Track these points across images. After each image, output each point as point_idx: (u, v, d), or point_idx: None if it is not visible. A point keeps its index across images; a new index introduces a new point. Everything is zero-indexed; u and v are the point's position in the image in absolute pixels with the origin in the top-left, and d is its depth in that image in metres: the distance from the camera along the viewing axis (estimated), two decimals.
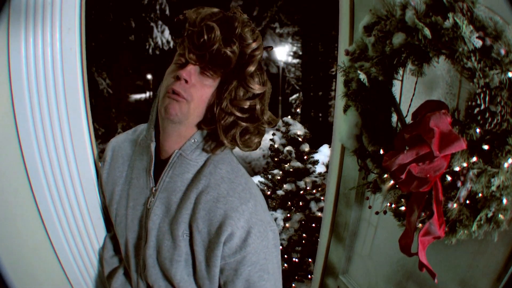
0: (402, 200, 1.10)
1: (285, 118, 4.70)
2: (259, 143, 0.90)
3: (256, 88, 0.84)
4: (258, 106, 0.85)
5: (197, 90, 0.83)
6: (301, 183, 4.33)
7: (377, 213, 1.26)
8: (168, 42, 10.33)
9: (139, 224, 0.95)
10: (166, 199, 0.89)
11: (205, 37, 0.78)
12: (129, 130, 1.07)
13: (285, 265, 4.11)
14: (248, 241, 0.84)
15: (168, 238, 0.88)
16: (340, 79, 1.31)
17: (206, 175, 0.87)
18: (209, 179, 0.86)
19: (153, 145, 0.91)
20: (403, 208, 1.10)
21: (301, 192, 4.29)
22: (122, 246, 1.01)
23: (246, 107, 0.84)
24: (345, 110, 1.27)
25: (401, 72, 1.06)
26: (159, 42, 10.29)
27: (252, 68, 0.83)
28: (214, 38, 0.78)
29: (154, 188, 0.91)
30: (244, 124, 0.85)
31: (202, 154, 0.89)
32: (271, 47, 0.95)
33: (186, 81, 0.82)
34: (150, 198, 0.91)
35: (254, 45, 0.82)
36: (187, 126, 0.87)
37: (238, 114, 0.83)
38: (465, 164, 0.88)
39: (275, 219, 4.12)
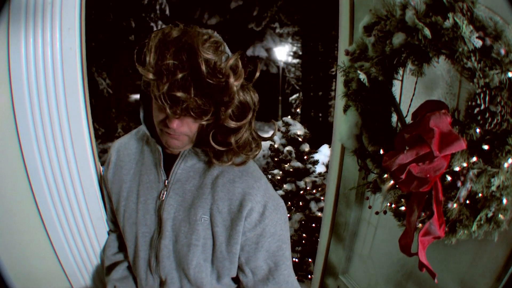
0: (402, 200, 1.10)
1: (285, 118, 4.70)
2: (252, 157, 0.91)
3: (235, 125, 0.81)
4: (242, 136, 0.84)
5: (188, 128, 0.83)
6: (301, 183, 4.33)
7: (377, 213, 1.26)
8: None
9: (151, 218, 0.96)
10: (180, 189, 0.93)
11: (180, 106, 0.74)
12: (131, 131, 1.10)
13: None
14: (266, 213, 0.90)
15: (185, 224, 0.92)
16: (340, 79, 1.31)
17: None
18: (222, 166, 0.91)
19: (160, 147, 0.94)
20: (403, 208, 1.10)
21: (301, 192, 4.29)
22: (130, 242, 1.00)
23: (230, 141, 0.83)
24: (345, 110, 1.27)
25: (401, 72, 1.06)
26: None
27: (229, 112, 0.78)
28: (188, 106, 0.74)
29: (166, 181, 0.94)
30: (235, 150, 0.86)
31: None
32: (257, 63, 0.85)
33: (176, 128, 0.81)
34: (163, 190, 0.94)
35: (228, 85, 0.75)
36: (190, 144, 0.90)
37: (219, 147, 0.84)
38: (465, 164, 0.88)
39: None
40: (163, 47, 0.73)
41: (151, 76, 0.73)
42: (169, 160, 0.95)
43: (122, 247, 1.13)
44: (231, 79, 0.75)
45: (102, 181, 1.11)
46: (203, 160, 0.93)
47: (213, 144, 0.83)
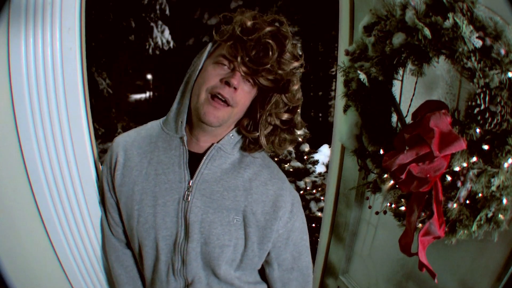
0: (402, 200, 1.10)
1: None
2: (292, 145, 0.99)
3: (296, 102, 0.90)
4: (296, 117, 0.92)
5: (241, 97, 0.87)
6: (301, 183, 4.33)
7: (377, 213, 1.26)
8: (168, 42, 10.32)
9: (172, 220, 0.92)
10: (207, 190, 0.92)
11: (262, 54, 0.81)
12: (135, 128, 1.04)
13: None
14: (293, 211, 0.98)
15: (215, 226, 0.91)
16: (340, 79, 1.31)
17: (249, 165, 0.96)
18: (252, 168, 0.95)
19: (185, 139, 0.92)
20: (403, 208, 1.10)
21: (301, 192, 4.28)
22: (147, 247, 0.95)
23: (285, 118, 0.91)
24: (345, 110, 1.27)
25: (401, 72, 1.06)
26: (159, 42, 10.27)
27: (296, 87, 0.88)
28: (270, 58, 0.81)
29: (191, 181, 0.91)
30: (283, 133, 0.93)
31: (237, 147, 0.96)
32: (307, 66, 0.97)
33: (235, 88, 0.84)
34: (187, 191, 0.91)
35: (299, 64, 0.87)
36: (225, 127, 0.92)
37: (279, 124, 0.91)
38: (465, 164, 0.88)
39: None
40: (255, 16, 0.85)
41: (249, 23, 0.81)
42: (191, 160, 0.93)
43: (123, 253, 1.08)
44: (300, 62, 0.87)
45: (103, 186, 1.03)
46: (230, 161, 0.94)
47: (275, 120, 0.89)
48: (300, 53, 0.89)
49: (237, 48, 0.82)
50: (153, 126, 1.01)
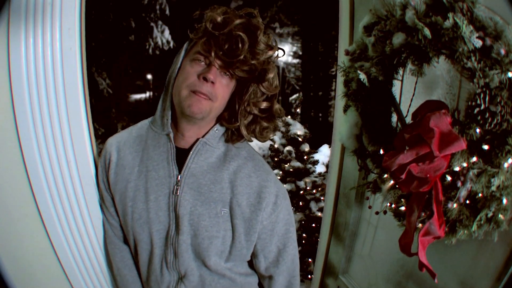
0: (402, 200, 1.10)
1: (285, 118, 4.70)
2: (274, 133, 1.02)
3: (273, 90, 0.94)
4: (274, 104, 0.96)
5: (220, 90, 0.90)
6: (301, 183, 4.32)
7: (377, 213, 1.26)
8: (168, 42, 10.32)
9: (164, 214, 0.96)
10: (195, 183, 0.95)
11: (234, 47, 0.84)
12: (127, 128, 1.08)
13: None
14: (278, 202, 1.00)
15: (204, 218, 0.95)
16: (340, 79, 1.31)
17: (233, 157, 0.99)
18: (236, 161, 0.98)
19: (172, 135, 0.95)
20: (403, 208, 1.10)
21: (301, 192, 4.28)
22: (142, 242, 0.99)
23: (263, 107, 0.94)
24: (345, 110, 1.27)
25: (401, 72, 1.06)
26: (159, 42, 10.27)
27: (271, 75, 0.91)
28: (242, 49, 0.84)
29: (179, 176, 0.95)
30: (263, 121, 0.96)
31: (222, 140, 0.99)
32: (283, 51, 0.99)
33: (213, 83, 0.88)
34: (176, 186, 0.95)
35: (272, 53, 0.90)
36: (208, 120, 0.96)
37: (258, 113, 0.94)
38: (465, 164, 0.88)
39: None
40: (227, 10, 0.87)
41: (219, 19, 0.84)
42: (178, 155, 0.96)
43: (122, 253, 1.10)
44: (275, 51, 0.90)
45: (99, 186, 1.06)
46: (216, 154, 0.98)
47: (253, 109, 0.92)
48: (274, 42, 0.91)
49: (210, 44, 0.86)
50: (143, 125, 1.05)
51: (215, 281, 1.01)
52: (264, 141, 1.00)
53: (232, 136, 0.99)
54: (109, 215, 1.07)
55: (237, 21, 0.85)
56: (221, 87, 0.90)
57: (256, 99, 0.93)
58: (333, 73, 11.40)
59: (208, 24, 0.85)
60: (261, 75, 0.90)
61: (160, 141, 0.98)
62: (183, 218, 0.94)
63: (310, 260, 4.09)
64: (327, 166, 4.84)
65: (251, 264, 1.11)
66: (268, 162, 4.99)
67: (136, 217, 0.97)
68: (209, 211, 0.95)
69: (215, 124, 0.98)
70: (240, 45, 0.84)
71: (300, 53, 13.27)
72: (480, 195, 0.90)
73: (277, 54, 0.93)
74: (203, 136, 0.97)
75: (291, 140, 4.52)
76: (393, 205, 1.13)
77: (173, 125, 0.98)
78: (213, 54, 0.86)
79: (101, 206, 1.10)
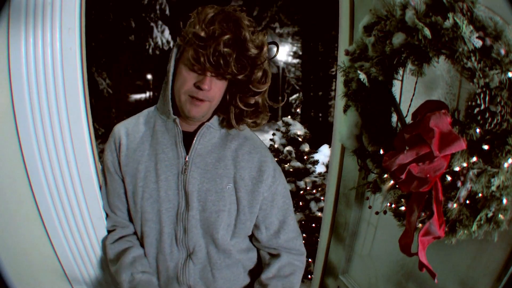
0: (402, 200, 1.10)
1: (285, 118, 4.70)
2: (265, 122, 1.08)
3: (261, 88, 0.97)
4: (260, 100, 1.01)
5: (215, 92, 0.96)
6: (301, 183, 4.33)
7: (377, 213, 1.26)
8: (168, 42, 10.32)
9: (174, 193, 1.03)
10: (201, 163, 1.03)
11: (222, 63, 0.87)
12: (133, 116, 1.13)
13: None
14: (276, 176, 1.10)
15: (211, 194, 1.03)
16: (340, 79, 1.31)
17: (234, 137, 1.08)
18: (237, 140, 1.08)
19: (178, 121, 1.02)
20: (403, 208, 1.10)
21: (301, 192, 4.29)
22: (151, 222, 1.04)
23: (252, 102, 0.99)
24: (345, 110, 1.27)
25: (401, 72, 1.06)
26: (159, 42, 10.28)
27: (259, 74, 0.95)
28: (230, 65, 0.88)
29: (187, 156, 1.02)
30: (251, 115, 1.02)
31: (222, 123, 1.06)
32: (277, 46, 1.03)
33: (208, 89, 0.93)
34: (184, 166, 1.02)
35: (260, 54, 0.92)
36: (208, 115, 1.03)
37: (245, 108, 1.00)
38: (465, 164, 0.88)
39: None
40: (211, 17, 0.88)
41: (203, 33, 0.86)
42: (185, 138, 1.03)
43: (124, 235, 1.11)
44: (264, 48, 0.93)
45: (105, 166, 1.08)
46: (218, 135, 1.06)
47: (239, 105, 0.98)
48: (263, 41, 0.93)
49: (199, 55, 0.88)
50: (149, 113, 1.12)
51: (221, 259, 1.09)
52: (255, 130, 1.10)
53: (228, 123, 1.05)
54: (117, 198, 1.09)
55: (224, 38, 0.86)
56: (216, 89, 0.95)
57: (245, 95, 0.98)
58: (333, 73, 11.41)
59: (192, 37, 0.88)
60: (248, 75, 0.94)
61: (167, 127, 1.05)
62: (192, 195, 1.01)
63: (310, 260, 4.09)
64: (327, 166, 4.84)
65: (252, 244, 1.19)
66: None
67: (146, 196, 1.03)
68: (215, 187, 1.03)
69: (216, 111, 1.05)
70: (228, 60, 0.87)
71: (300, 53, 13.27)
72: (480, 195, 0.90)
73: (273, 52, 0.98)
74: (208, 120, 1.04)
75: (291, 140, 4.52)
76: (393, 205, 1.13)
77: (177, 112, 1.04)
78: (203, 65, 0.89)
79: (103, 208, 1.11)
